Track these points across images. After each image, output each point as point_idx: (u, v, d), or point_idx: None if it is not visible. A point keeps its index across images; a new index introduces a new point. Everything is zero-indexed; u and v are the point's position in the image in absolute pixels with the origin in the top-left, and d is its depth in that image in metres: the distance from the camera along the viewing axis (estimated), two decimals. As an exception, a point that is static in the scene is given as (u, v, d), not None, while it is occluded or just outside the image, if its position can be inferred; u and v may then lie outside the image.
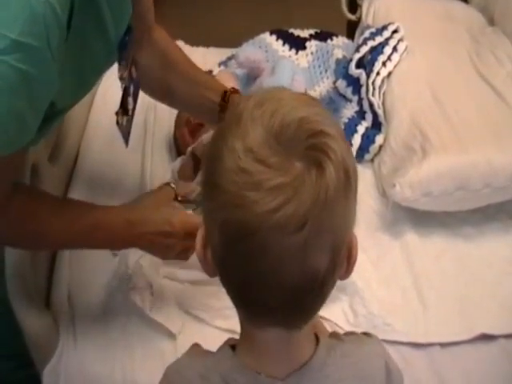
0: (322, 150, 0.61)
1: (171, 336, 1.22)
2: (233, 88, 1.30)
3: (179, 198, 1.17)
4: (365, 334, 0.83)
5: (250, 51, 1.59)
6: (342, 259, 0.66)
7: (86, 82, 1.06)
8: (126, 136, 1.23)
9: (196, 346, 0.84)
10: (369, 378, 0.77)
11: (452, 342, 1.23)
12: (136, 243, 1.13)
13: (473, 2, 1.88)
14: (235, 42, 1.86)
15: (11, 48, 0.78)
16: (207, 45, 1.99)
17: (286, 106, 0.64)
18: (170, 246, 1.12)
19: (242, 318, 0.73)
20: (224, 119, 0.68)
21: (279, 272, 0.62)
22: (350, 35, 1.91)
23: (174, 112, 1.60)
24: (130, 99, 1.18)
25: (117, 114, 1.19)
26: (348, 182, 0.63)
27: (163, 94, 1.33)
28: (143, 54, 1.23)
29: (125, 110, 1.18)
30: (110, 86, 1.58)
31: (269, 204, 0.59)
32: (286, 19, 2.61)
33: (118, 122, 1.19)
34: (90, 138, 1.62)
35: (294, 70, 1.54)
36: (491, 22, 1.84)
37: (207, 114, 1.29)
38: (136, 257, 1.28)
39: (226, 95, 1.27)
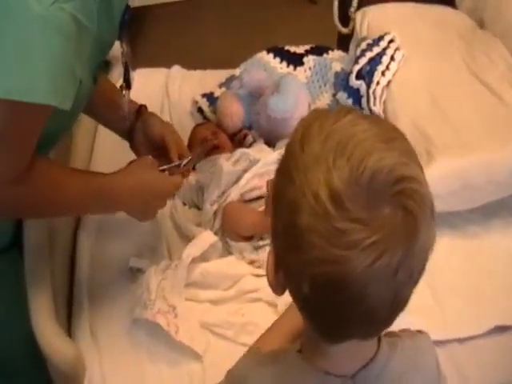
0: (410, 195, 0.62)
1: (198, 357, 1.24)
2: (144, 105, 1.38)
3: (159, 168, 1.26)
4: (417, 331, 0.87)
5: (253, 71, 1.62)
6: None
7: (93, 62, 1.07)
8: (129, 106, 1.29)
9: (257, 349, 0.88)
10: (426, 370, 0.83)
11: (468, 336, 1.28)
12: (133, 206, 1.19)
13: (462, 6, 1.91)
14: (230, 63, 1.90)
15: None
16: (204, 68, 2.02)
17: (373, 151, 0.62)
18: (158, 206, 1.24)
19: (312, 334, 0.74)
20: (291, 156, 0.67)
21: (371, 311, 0.65)
22: (341, 48, 1.94)
23: (186, 128, 1.64)
24: (132, 73, 1.24)
25: (121, 87, 1.25)
26: (434, 222, 0.66)
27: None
28: None
29: (128, 84, 1.23)
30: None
31: (364, 261, 0.61)
32: (273, 36, 2.64)
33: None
34: (98, 156, 1.65)
35: (299, 85, 1.56)
36: (481, 25, 1.86)
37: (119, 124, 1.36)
38: (157, 281, 1.29)
39: (141, 107, 1.37)
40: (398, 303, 0.66)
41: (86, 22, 0.88)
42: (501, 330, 1.29)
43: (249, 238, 1.38)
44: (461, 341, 1.28)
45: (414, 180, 0.64)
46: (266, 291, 1.32)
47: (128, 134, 1.37)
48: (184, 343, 1.22)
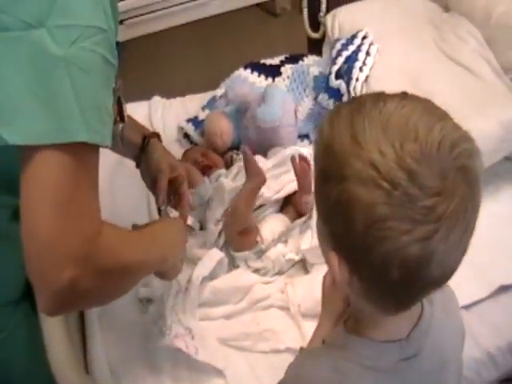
0: (467, 155, 0.67)
1: (219, 373, 1.23)
2: (153, 132, 1.38)
3: None
4: None
5: (237, 87, 1.65)
6: None
7: None
8: (122, 140, 1.29)
9: (304, 349, 0.90)
10: (455, 313, 0.91)
11: (474, 301, 1.31)
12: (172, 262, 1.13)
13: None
14: (208, 86, 1.91)
15: (86, 34, 0.80)
16: (183, 94, 2.03)
17: (432, 125, 0.66)
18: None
19: (368, 310, 0.76)
20: (347, 157, 0.66)
21: (450, 270, 0.70)
22: (312, 53, 1.94)
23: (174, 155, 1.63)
24: (125, 106, 1.22)
25: (115, 121, 1.22)
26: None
27: None
28: None
29: (121, 118, 1.23)
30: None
31: (448, 227, 0.65)
32: (243, 54, 2.67)
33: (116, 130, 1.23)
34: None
35: (283, 94, 1.58)
36: (446, 9, 1.91)
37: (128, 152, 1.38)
38: (170, 307, 1.29)
39: (146, 139, 1.35)
40: (464, 255, 0.70)
41: (110, 56, 0.85)
42: (505, 289, 1.34)
43: (252, 245, 1.38)
44: (467, 307, 1.30)
45: (466, 139, 0.68)
46: (276, 296, 1.33)
47: (136, 160, 1.38)
48: (205, 361, 1.22)
